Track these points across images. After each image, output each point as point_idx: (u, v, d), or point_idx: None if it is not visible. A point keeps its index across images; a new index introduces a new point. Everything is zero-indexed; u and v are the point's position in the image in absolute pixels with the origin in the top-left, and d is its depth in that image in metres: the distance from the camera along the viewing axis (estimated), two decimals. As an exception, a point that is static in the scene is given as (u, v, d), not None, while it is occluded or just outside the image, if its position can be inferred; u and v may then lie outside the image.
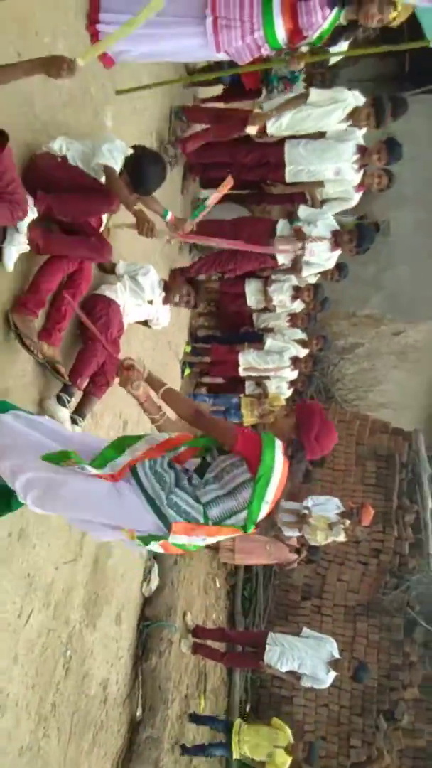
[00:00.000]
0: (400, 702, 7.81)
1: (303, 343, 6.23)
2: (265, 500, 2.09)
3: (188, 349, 6.39)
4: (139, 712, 4.76)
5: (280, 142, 4.78)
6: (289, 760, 5.52)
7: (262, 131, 4.54)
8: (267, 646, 5.96)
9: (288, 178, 4.93)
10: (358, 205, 5.29)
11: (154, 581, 5.23)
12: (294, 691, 7.86)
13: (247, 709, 7.94)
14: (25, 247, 2.70)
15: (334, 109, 4.36)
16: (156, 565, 5.31)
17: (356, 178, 4.85)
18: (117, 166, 2.98)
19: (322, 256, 5.26)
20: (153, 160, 3.20)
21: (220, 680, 7.42)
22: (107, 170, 2.96)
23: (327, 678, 5.88)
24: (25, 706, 3.09)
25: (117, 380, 2.35)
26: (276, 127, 4.52)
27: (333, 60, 4.68)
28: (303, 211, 5.16)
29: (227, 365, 6.29)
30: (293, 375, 6.37)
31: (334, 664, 5.86)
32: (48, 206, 2.85)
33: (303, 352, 6.26)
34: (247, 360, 6.14)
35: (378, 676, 8.00)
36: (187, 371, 6.41)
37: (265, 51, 3.49)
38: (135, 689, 4.79)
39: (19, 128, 2.90)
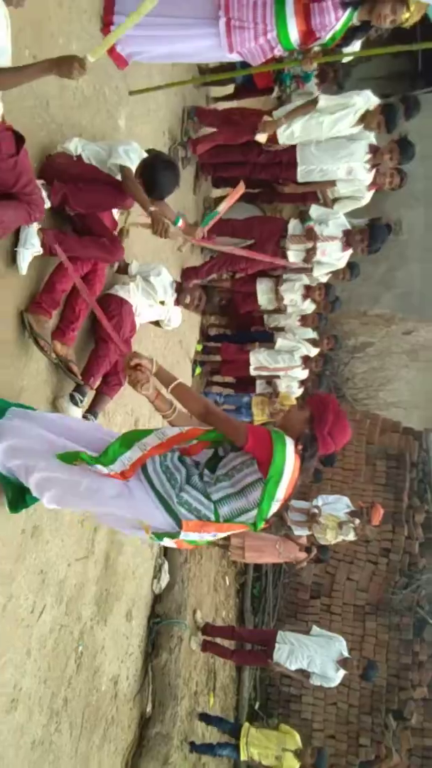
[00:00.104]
0: (409, 701, 7.81)
1: (314, 343, 6.23)
2: (275, 499, 2.11)
3: (199, 347, 6.41)
4: (149, 708, 4.79)
5: (292, 140, 4.78)
6: (297, 765, 5.53)
7: (273, 141, 4.51)
8: (276, 645, 5.97)
9: (300, 178, 4.94)
10: (370, 204, 5.28)
11: (165, 579, 5.26)
12: (303, 690, 7.87)
13: (256, 707, 7.97)
14: (38, 250, 2.74)
15: (345, 114, 4.34)
16: (166, 563, 5.34)
17: (368, 177, 4.84)
18: (133, 166, 3.02)
19: (333, 256, 5.25)
20: (167, 165, 3.23)
21: (229, 678, 7.45)
22: (123, 170, 2.99)
23: (336, 676, 5.89)
24: (38, 701, 3.13)
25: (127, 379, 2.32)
26: (287, 136, 4.50)
27: (346, 59, 4.67)
28: (315, 210, 5.16)
29: (238, 364, 6.30)
30: (304, 374, 6.37)
31: (343, 662, 5.86)
32: (64, 195, 2.88)
33: (314, 352, 6.26)
34: (258, 359, 6.15)
35: (387, 675, 8.00)
36: (198, 370, 6.43)
37: (278, 52, 3.50)
38: (145, 685, 4.82)
39: (34, 129, 2.95)
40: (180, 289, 3.91)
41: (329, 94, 5.96)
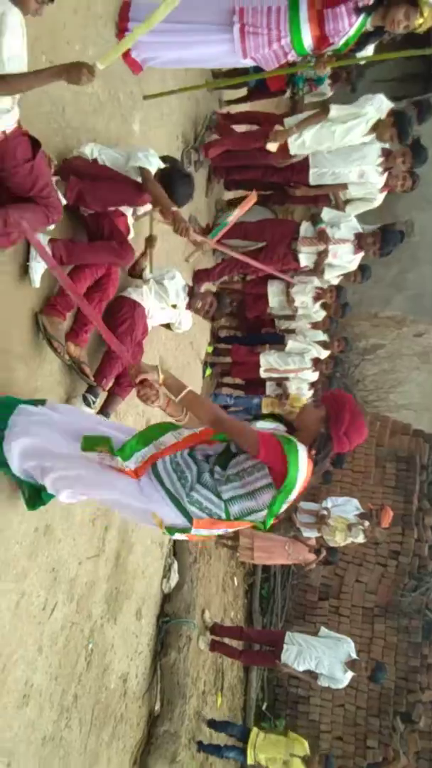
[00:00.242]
0: (417, 704, 7.81)
1: (324, 345, 6.24)
2: (287, 501, 2.14)
3: (210, 349, 6.44)
4: (157, 707, 4.83)
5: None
6: None
7: (285, 153, 4.51)
8: (285, 645, 5.99)
9: (312, 181, 4.95)
10: (382, 206, 5.29)
11: (174, 578, 5.30)
12: (311, 691, 7.89)
13: (263, 708, 7.99)
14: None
15: (357, 124, 4.33)
16: (176, 563, 5.38)
17: (380, 180, 4.85)
18: (152, 169, 3.06)
19: (344, 259, 5.27)
20: (184, 177, 3.29)
21: (236, 678, 7.48)
22: (144, 172, 3.04)
23: (344, 678, 5.90)
24: (49, 697, 3.17)
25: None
26: (299, 145, 4.49)
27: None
28: (326, 213, 5.18)
29: (248, 366, 6.32)
30: (314, 376, 6.38)
31: (351, 664, 5.87)
32: (79, 192, 2.93)
33: (324, 354, 6.27)
34: (268, 361, 6.17)
35: (395, 677, 8.00)
36: (208, 371, 6.46)
37: (292, 57, 3.53)
38: (154, 684, 4.86)
39: (50, 134, 2.99)
40: (192, 293, 3.94)
41: (342, 94, 6.01)
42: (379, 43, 4.14)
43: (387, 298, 9.52)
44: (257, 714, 7.76)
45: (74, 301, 2.94)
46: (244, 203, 3.40)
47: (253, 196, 3.33)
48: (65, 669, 3.33)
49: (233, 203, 5.98)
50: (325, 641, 6.02)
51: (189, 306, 4.00)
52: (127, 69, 3.73)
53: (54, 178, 2.80)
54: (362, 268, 5.60)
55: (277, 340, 6.34)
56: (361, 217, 5.31)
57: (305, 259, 5.31)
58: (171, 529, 2.21)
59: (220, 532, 2.26)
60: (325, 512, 6.60)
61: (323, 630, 6.28)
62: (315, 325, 6.22)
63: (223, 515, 2.16)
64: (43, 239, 2.79)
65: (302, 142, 4.46)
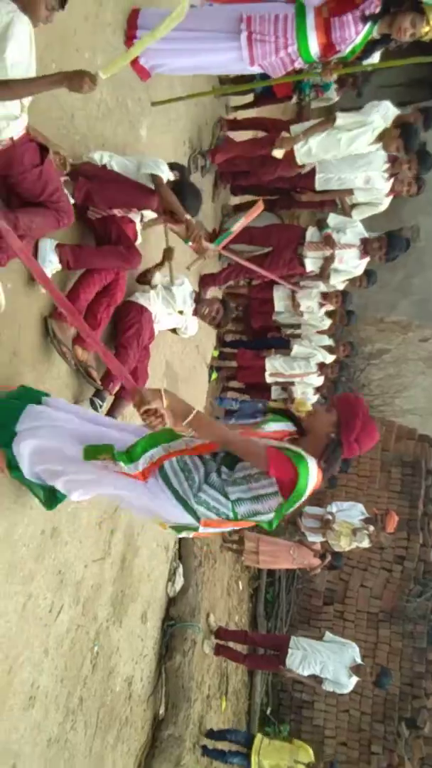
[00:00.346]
0: (422, 710, 7.78)
1: (330, 350, 6.25)
2: (293, 507, 2.16)
3: (216, 353, 6.46)
4: (161, 710, 4.84)
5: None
6: None
7: (292, 163, 4.53)
8: (289, 650, 5.98)
9: (318, 186, 4.98)
10: (388, 211, 5.29)
11: (179, 582, 5.31)
12: (315, 696, 7.87)
13: (268, 713, 7.98)
14: (57, 266, 2.82)
15: (363, 132, 4.34)
16: (181, 566, 5.39)
17: (386, 186, 4.86)
18: (164, 176, 3.10)
19: (350, 264, 5.28)
20: (194, 191, 3.34)
21: (241, 683, 7.47)
22: (156, 179, 3.07)
23: (349, 683, 5.89)
24: (54, 699, 3.19)
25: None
26: (305, 152, 4.50)
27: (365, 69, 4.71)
28: (332, 219, 5.20)
29: (254, 370, 6.33)
30: (319, 381, 6.40)
31: (356, 669, 5.86)
32: (87, 192, 2.95)
33: (330, 359, 6.29)
34: (274, 366, 6.18)
35: (400, 683, 7.97)
36: (214, 375, 6.48)
37: (299, 65, 3.56)
38: (158, 687, 4.87)
39: (59, 139, 3.02)
40: (198, 299, 3.96)
41: (348, 99, 6.03)
42: (385, 49, 4.17)
43: (393, 302, 9.53)
44: (261, 719, 7.75)
45: (83, 306, 2.97)
46: (250, 212, 3.43)
47: (259, 206, 3.36)
48: (71, 671, 3.35)
49: (240, 208, 6.01)
50: (330, 646, 6.02)
51: (195, 312, 4.02)
52: (135, 76, 3.77)
53: (63, 178, 2.83)
54: (368, 274, 5.62)
55: (283, 345, 6.36)
56: (367, 223, 5.33)
57: (311, 263, 5.33)
58: (178, 528, 2.22)
59: (227, 529, 2.28)
60: (330, 517, 6.60)
61: (328, 635, 6.28)
62: (320, 330, 6.23)
63: (231, 515, 2.18)
64: (50, 244, 2.82)
65: (308, 150, 4.46)
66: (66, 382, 3.17)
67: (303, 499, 2.10)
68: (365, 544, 6.53)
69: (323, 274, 5.42)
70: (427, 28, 3.27)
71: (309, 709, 8.03)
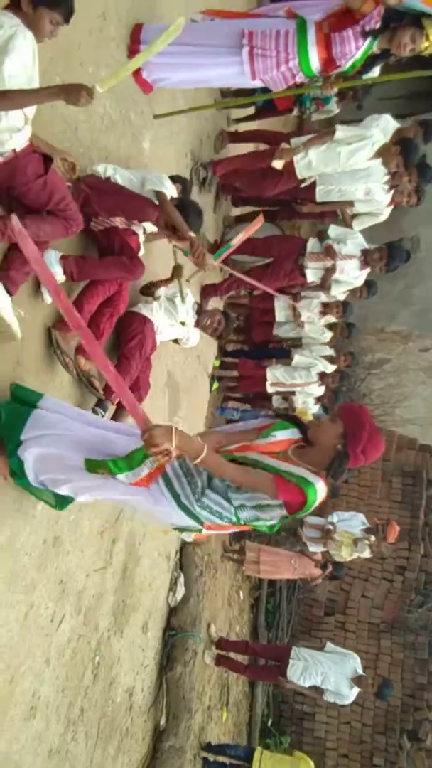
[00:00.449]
0: (424, 722, 7.73)
1: (331, 360, 6.28)
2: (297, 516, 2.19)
3: (217, 363, 6.49)
4: (163, 721, 4.81)
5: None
6: None
7: (292, 176, 4.57)
8: (290, 661, 5.96)
9: (318, 198, 5.01)
10: (389, 221, 5.32)
11: (180, 591, 5.30)
12: (316, 708, 7.83)
13: (269, 724, 7.93)
14: (61, 278, 2.85)
15: (362, 146, 4.37)
16: (182, 576, 5.39)
17: (386, 198, 4.90)
18: (168, 192, 3.13)
19: (351, 275, 5.31)
20: (196, 209, 3.39)
21: (242, 693, 7.44)
22: (160, 196, 3.10)
23: (350, 694, 5.86)
24: (56, 709, 3.18)
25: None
26: (305, 165, 4.52)
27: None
28: (333, 230, 5.24)
29: (255, 380, 6.35)
30: (320, 390, 6.41)
31: (357, 680, 5.84)
32: (87, 197, 2.98)
33: (330, 368, 6.31)
34: (275, 375, 6.20)
35: (402, 695, 7.93)
36: (215, 385, 6.50)
37: (300, 79, 3.60)
38: (159, 698, 4.85)
39: (63, 153, 3.06)
40: (200, 311, 3.99)
41: (348, 111, 6.09)
42: (385, 63, 4.23)
43: (393, 313, 9.56)
44: (262, 730, 7.71)
45: (87, 317, 3.00)
46: (249, 227, 3.47)
47: (259, 219, 3.40)
48: (72, 681, 3.34)
49: (241, 219, 6.06)
50: (331, 656, 5.99)
51: (197, 323, 4.05)
52: (138, 89, 3.82)
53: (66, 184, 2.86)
54: (368, 284, 5.65)
55: (284, 355, 6.38)
56: (368, 234, 5.36)
57: (312, 274, 5.36)
58: (181, 529, 2.25)
59: (230, 531, 2.30)
60: (331, 527, 6.59)
61: (329, 645, 6.25)
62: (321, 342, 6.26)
63: (233, 519, 2.20)
64: (54, 256, 2.84)
65: (308, 162, 4.49)
66: (69, 391, 3.19)
67: (307, 512, 2.15)
68: (366, 554, 6.52)
69: (324, 285, 5.45)
70: (426, 43, 3.32)
71: (310, 720, 7.98)
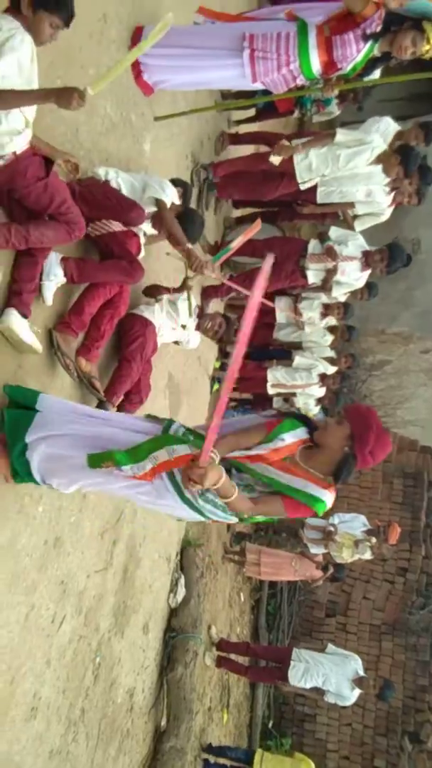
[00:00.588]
0: (425, 724, 7.72)
1: (331, 361, 6.28)
2: None
3: (218, 364, 6.49)
4: (163, 722, 4.81)
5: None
6: None
7: (293, 179, 4.57)
8: (291, 662, 5.96)
9: (319, 199, 5.01)
10: (390, 221, 5.32)
11: (181, 593, 5.30)
12: (317, 709, 7.83)
13: (269, 726, 7.93)
14: (62, 280, 2.85)
15: (362, 151, 4.37)
16: (183, 577, 5.39)
17: (387, 200, 4.90)
18: (168, 200, 3.13)
19: (352, 276, 5.32)
20: (198, 218, 3.42)
21: (242, 695, 7.43)
22: (159, 203, 3.10)
23: (351, 695, 5.86)
24: (56, 710, 3.19)
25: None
26: (305, 168, 4.51)
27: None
28: (334, 231, 5.24)
29: (255, 381, 6.36)
30: (321, 392, 6.42)
31: (359, 681, 5.83)
32: (72, 191, 2.94)
33: (331, 369, 6.31)
34: (276, 377, 6.20)
35: (403, 696, 7.92)
36: (216, 386, 6.51)
37: (300, 81, 3.61)
38: (160, 699, 4.85)
39: (64, 155, 3.06)
40: (202, 314, 4.00)
41: (349, 113, 6.09)
42: (386, 65, 4.23)
43: (394, 314, 9.56)
44: (263, 732, 7.70)
45: (87, 319, 3.01)
46: (247, 231, 3.48)
47: (256, 224, 3.41)
48: (73, 682, 3.35)
49: (242, 221, 6.07)
50: (332, 658, 5.99)
51: (198, 326, 4.05)
52: (139, 91, 3.83)
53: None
54: (369, 286, 5.66)
55: (285, 356, 6.38)
56: (368, 236, 5.37)
57: (313, 275, 5.36)
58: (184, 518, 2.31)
59: (233, 521, 2.33)
60: (332, 528, 6.59)
61: (330, 647, 6.25)
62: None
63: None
64: (55, 258, 2.85)
65: (308, 165, 4.49)
66: (70, 393, 3.20)
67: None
68: (367, 555, 6.52)
69: (325, 286, 5.45)
70: (427, 47, 3.33)
71: (311, 722, 7.97)
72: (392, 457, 9.20)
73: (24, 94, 2.20)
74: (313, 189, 4.97)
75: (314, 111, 5.73)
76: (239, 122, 6.05)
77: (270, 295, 6.00)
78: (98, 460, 2.27)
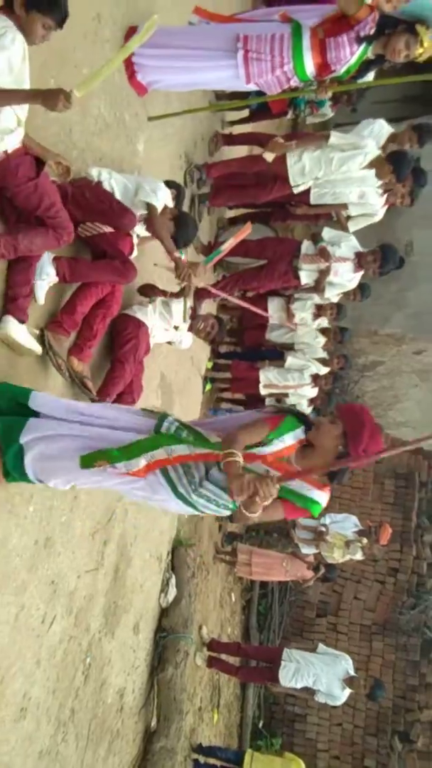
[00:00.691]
0: (415, 723, 7.76)
1: (324, 362, 6.29)
2: None
3: (210, 365, 6.49)
4: (153, 723, 4.81)
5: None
6: None
7: (286, 183, 4.57)
8: (282, 662, 5.97)
9: (312, 200, 5.01)
10: (384, 222, 5.33)
11: (172, 593, 5.30)
12: (308, 709, 7.85)
13: (260, 726, 7.94)
14: (54, 279, 2.85)
15: (355, 155, 4.38)
16: (173, 577, 5.39)
17: (380, 201, 4.91)
18: (160, 204, 3.12)
19: (345, 277, 5.33)
20: (192, 222, 3.42)
21: (233, 695, 7.44)
22: (150, 208, 3.10)
23: (342, 695, 5.88)
24: (46, 711, 3.18)
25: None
26: (299, 171, 4.51)
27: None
28: (327, 233, 5.26)
29: (248, 382, 6.36)
30: (313, 392, 6.43)
31: (349, 681, 5.85)
32: (64, 193, 2.94)
33: (323, 370, 6.32)
34: (268, 377, 6.21)
35: (393, 696, 7.96)
36: (208, 386, 6.51)
37: (294, 83, 3.62)
38: (150, 699, 4.85)
39: (57, 155, 3.05)
40: (194, 315, 4.01)
41: (343, 114, 6.10)
42: (379, 67, 4.24)
43: (386, 315, 9.58)
44: (253, 732, 7.71)
45: (80, 319, 3.00)
46: (238, 234, 3.49)
47: (247, 227, 3.41)
48: (63, 683, 3.34)
49: (235, 221, 6.07)
50: (323, 658, 6.01)
51: (191, 328, 4.06)
52: (132, 92, 3.82)
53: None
54: (362, 287, 5.67)
55: (277, 356, 6.39)
56: (362, 238, 5.38)
57: (306, 276, 5.37)
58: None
59: (225, 514, 2.35)
60: (323, 529, 6.61)
61: (321, 647, 6.27)
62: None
63: (231, 506, 2.27)
64: (47, 257, 2.85)
65: (302, 168, 4.49)
66: (62, 392, 3.19)
67: None
68: (358, 556, 6.54)
69: (318, 287, 5.47)
70: (420, 50, 3.35)
71: (302, 722, 8.00)
72: (384, 457, 9.22)
73: (11, 94, 2.19)
74: (307, 190, 4.98)
75: (308, 112, 5.74)
76: (233, 123, 6.05)
77: (263, 296, 6.01)
78: (90, 459, 2.29)
